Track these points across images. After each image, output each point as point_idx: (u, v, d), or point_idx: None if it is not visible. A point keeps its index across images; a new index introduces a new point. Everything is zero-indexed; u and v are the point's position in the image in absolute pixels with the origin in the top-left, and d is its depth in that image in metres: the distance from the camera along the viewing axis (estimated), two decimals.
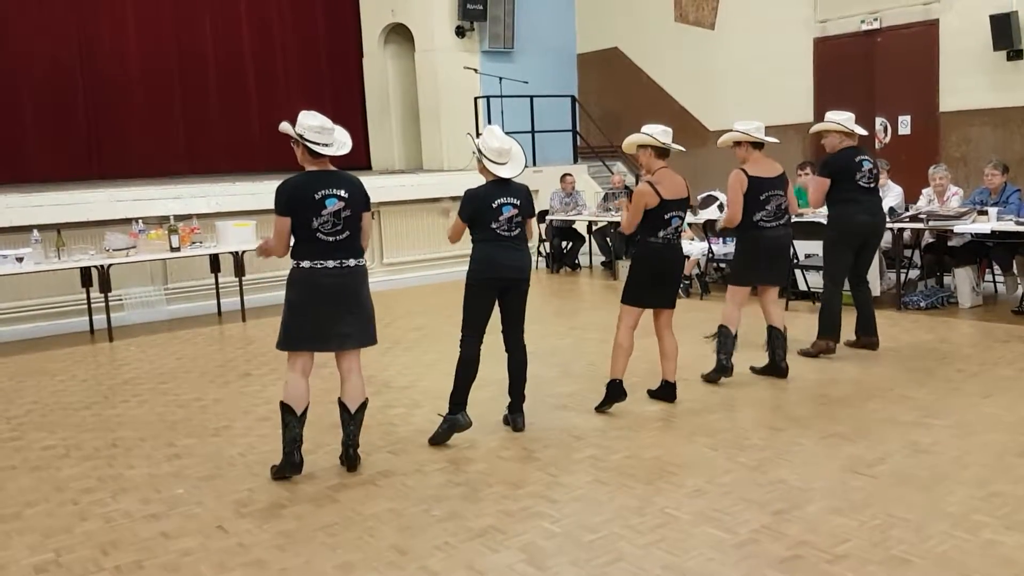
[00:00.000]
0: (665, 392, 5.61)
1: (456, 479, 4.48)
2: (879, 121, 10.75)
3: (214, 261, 9.34)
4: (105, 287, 8.42)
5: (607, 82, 14.28)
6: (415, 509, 4.12)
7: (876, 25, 10.68)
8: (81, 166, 12.47)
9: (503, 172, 4.95)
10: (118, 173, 12.39)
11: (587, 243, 11.95)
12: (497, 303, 5.04)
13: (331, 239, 4.42)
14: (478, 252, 4.94)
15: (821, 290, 6.81)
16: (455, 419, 4.97)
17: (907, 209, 8.55)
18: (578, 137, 13.97)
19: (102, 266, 8.40)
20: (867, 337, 6.65)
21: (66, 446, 5.30)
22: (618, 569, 3.45)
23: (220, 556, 3.73)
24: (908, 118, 10.60)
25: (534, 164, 13.08)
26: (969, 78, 9.94)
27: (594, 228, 11.69)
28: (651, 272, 5.43)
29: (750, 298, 6.24)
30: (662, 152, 5.41)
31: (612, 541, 3.69)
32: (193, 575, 3.57)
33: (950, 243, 8.36)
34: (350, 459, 4.64)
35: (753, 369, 6.16)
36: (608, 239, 11.33)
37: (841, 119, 6.50)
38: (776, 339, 6.04)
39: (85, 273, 8.50)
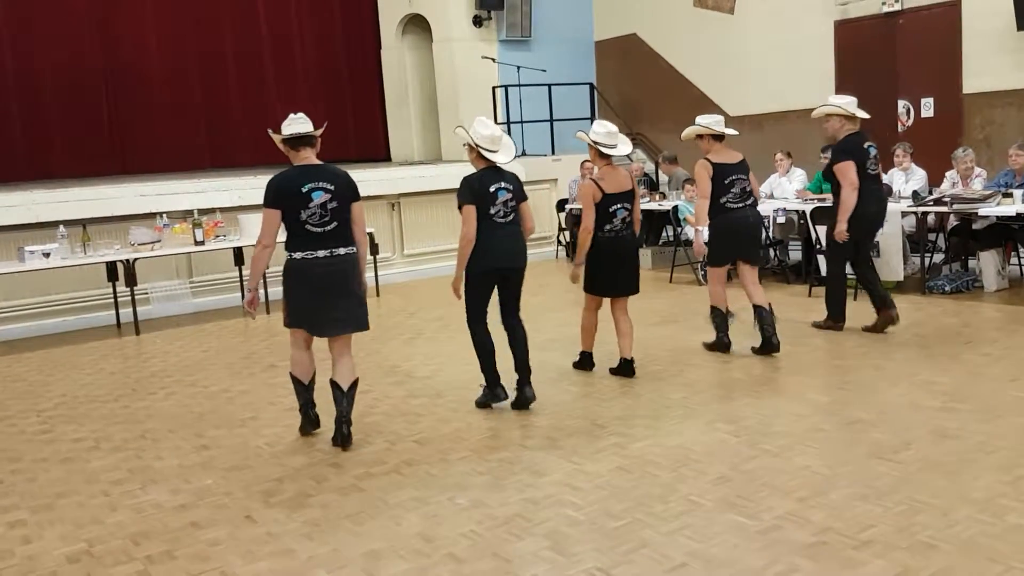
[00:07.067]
0: (624, 369, 5.96)
1: (480, 468, 4.51)
2: (902, 104, 10.64)
3: (238, 254, 9.40)
4: (131, 281, 8.51)
5: (625, 69, 14.21)
6: (440, 497, 4.15)
7: (897, 7, 10.55)
8: (105, 162, 12.58)
9: (497, 158, 5.19)
10: (141, 168, 12.51)
11: None
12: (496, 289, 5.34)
13: (319, 230, 4.67)
14: (478, 243, 5.15)
15: (831, 279, 6.86)
16: (494, 394, 5.41)
17: (931, 192, 8.47)
18: None
19: (127, 260, 8.49)
20: (887, 311, 6.62)
21: (96, 438, 5.38)
22: (642, 556, 3.46)
23: (249, 545, 3.78)
24: (931, 100, 10.47)
25: (552, 153, 13.07)
26: (992, 59, 9.80)
27: None
28: (603, 263, 5.76)
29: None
30: (603, 153, 5.72)
31: (636, 528, 3.70)
32: (223, 564, 3.62)
33: (974, 226, 8.28)
34: (344, 436, 4.84)
35: (754, 349, 6.30)
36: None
37: (843, 102, 6.46)
38: (763, 317, 6.21)
39: (111, 268, 8.60)
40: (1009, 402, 5.00)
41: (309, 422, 5.09)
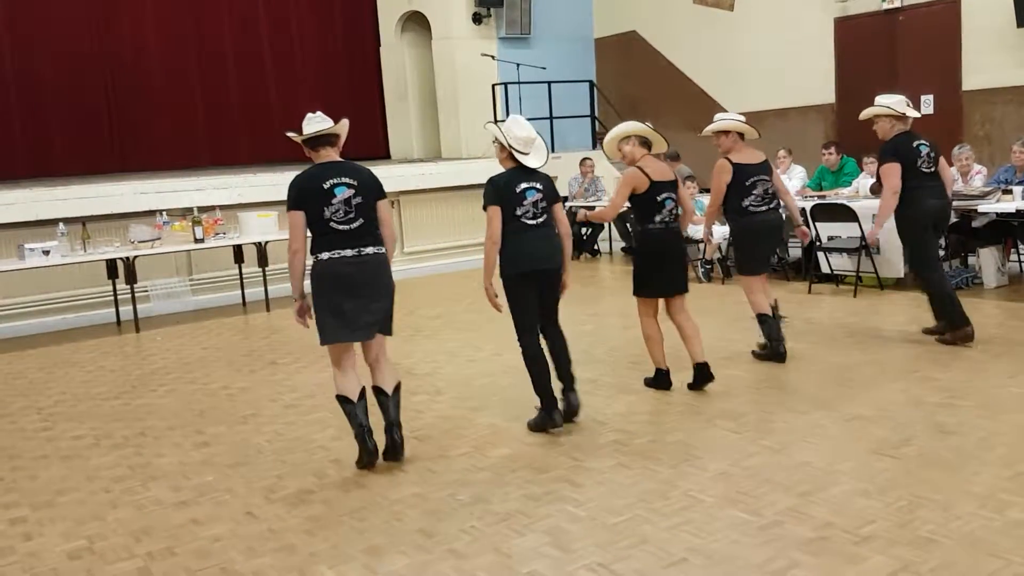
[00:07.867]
0: (701, 377, 5.49)
1: (480, 464, 4.51)
2: None
3: (237, 252, 9.42)
4: (131, 279, 8.52)
5: (625, 66, 14.21)
6: (441, 494, 4.16)
7: (897, 4, 10.55)
8: (105, 160, 12.60)
9: (529, 161, 4.92)
10: (141, 166, 12.51)
11: (607, 229, 11.93)
12: None
13: (345, 227, 4.46)
14: (507, 246, 4.84)
15: (926, 285, 6.39)
16: (551, 418, 4.92)
17: None
18: (597, 122, 13.93)
19: (127, 258, 8.50)
20: (964, 328, 6.22)
21: (96, 435, 5.38)
22: (643, 552, 3.46)
23: (250, 541, 3.78)
24: (931, 97, 10.47)
25: (552, 150, 13.05)
26: (992, 56, 9.81)
27: None
28: (655, 258, 5.44)
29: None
30: (647, 142, 5.47)
31: (636, 524, 3.70)
32: (224, 561, 3.62)
33: (974, 223, 8.27)
34: (396, 445, 4.58)
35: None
36: (628, 224, 11.30)
37: (892, 102, 6.24)
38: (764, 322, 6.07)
39: (111, 265, 8.61)
40: (1009, 398, 5.00)
41: (368, 453, 4.50)
